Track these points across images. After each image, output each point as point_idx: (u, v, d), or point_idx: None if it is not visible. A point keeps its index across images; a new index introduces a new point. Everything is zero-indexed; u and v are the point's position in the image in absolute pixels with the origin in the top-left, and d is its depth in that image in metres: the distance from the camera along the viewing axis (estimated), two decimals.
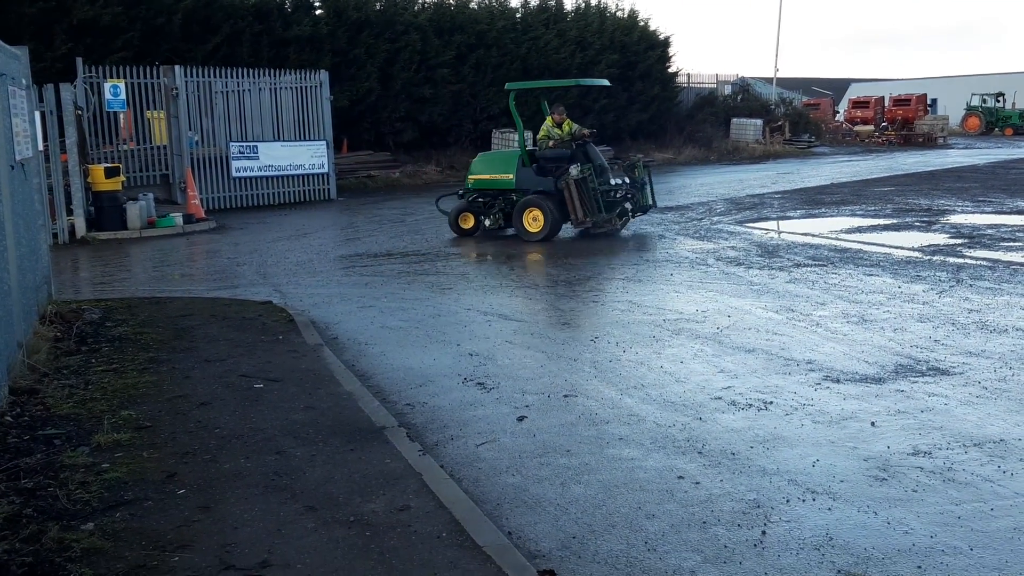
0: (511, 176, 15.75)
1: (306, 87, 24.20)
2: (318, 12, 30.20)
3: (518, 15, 36.72)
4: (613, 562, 4.36)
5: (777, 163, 34.38)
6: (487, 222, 16.01)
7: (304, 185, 24.22)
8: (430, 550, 4.40)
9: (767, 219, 17.75)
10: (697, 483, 5.24)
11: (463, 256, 14.13)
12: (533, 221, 15.34)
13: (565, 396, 6.88)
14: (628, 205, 15.91)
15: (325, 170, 24.49)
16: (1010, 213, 17.67)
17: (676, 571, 4.25)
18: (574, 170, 14.94)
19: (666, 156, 37.02)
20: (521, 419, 6.42)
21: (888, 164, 32.42)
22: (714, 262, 12.78)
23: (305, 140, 24.11)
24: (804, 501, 4.95)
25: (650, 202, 16.26)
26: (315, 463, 5.54)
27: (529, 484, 5.31)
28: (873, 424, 6.05)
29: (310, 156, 24.18)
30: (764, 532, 4.60)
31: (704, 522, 4.74)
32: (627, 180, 15.81)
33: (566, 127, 16.09)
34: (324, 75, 24.58)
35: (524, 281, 11.79)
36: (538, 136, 16.27)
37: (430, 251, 14.69)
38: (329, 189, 24.61)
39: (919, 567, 4.19)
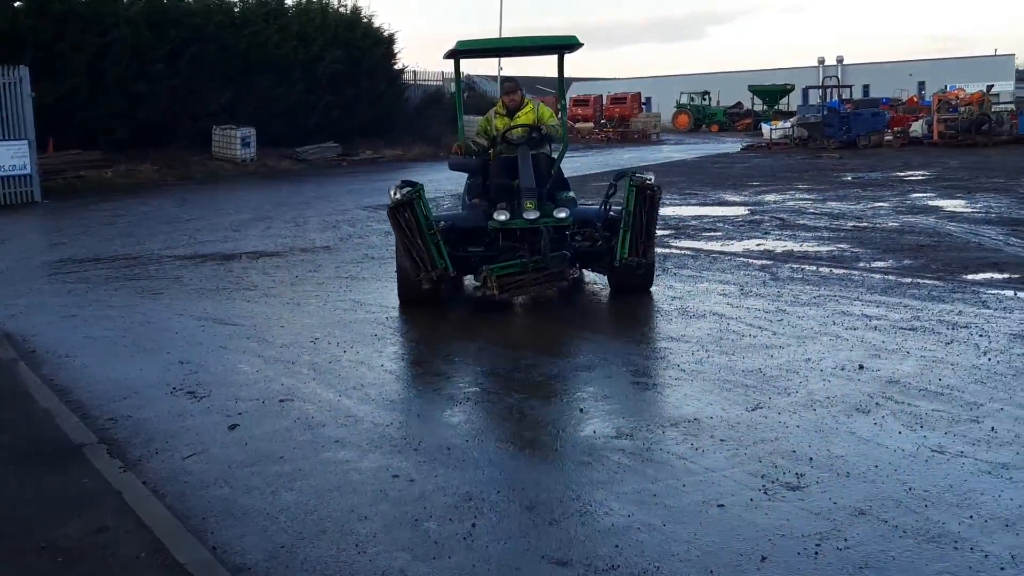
0: None
1: (4, 83, 22.50)
2: (17, 4, 28.16)
3: (236, 9, 35.72)
4: (322, 569, 4.28)
5: None
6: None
7: (3, 188, 22.50)
8: (128, 573, 4.16)
9: None
10: (412, 480, 5.24)
11: (177, 259, 13.54)
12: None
13: (281, 401, 6.72)
14: (556, 254, 8.92)
15: (27, 171, 22.81)
16: (713, 204, 18.87)
17: (386, 571, 4.22)
18: (391, 193, 9.07)
19: (396, 153, 37.13)
20: (233, 428, 6.21)
21: (606, 159, 33.89)
22: None
23: (3, 140, 22.40)
24: (513, 490, 5.06)
25: (627, 253, 9.06)
26: (5, 488, 5.13)
27: (238, 495, 5.14)
28: (581, 410, 6.27)
29: (10, 157, 22.45)
30: (474, 525, 4.66)
31: (416, 519, 4.75)
32: (596, 211, 9.81)
33: (523, 116, 10.14)
34: (24, 71, 22.88)
35: (243, 283, 11.44)
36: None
37: (142, 255, 13.98)
38: (32, 191, 22.95)
39: (616, 546, 4.36)
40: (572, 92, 74.47)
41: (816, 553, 4.20)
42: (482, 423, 6.14)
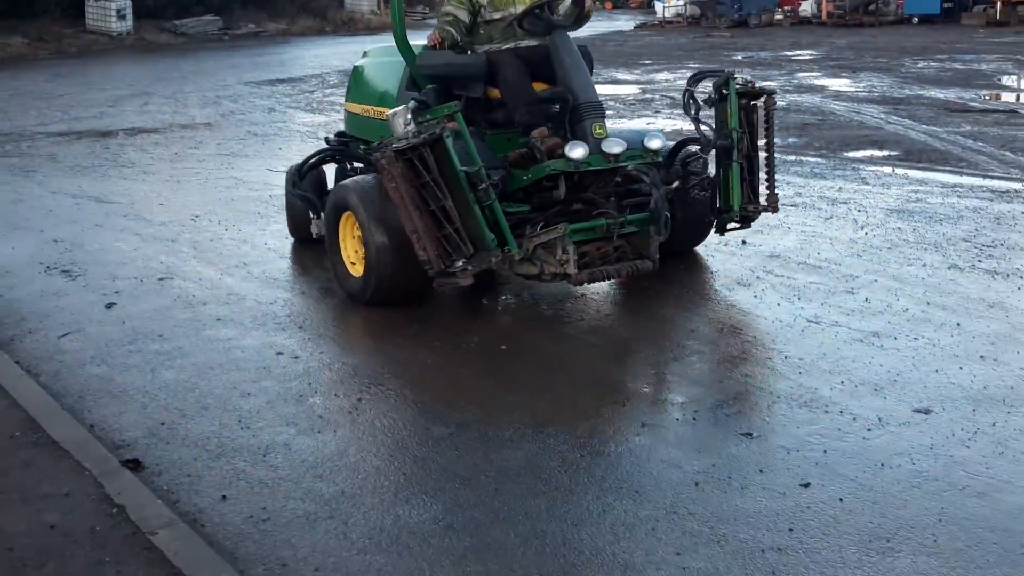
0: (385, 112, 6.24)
1: None
2: None
3: None
4: (203, 444, 4.23)
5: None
6: (315, 223, 6.85)
7: None
8: (1, 452, 4.05)
9: None
10: (296, 357, 5.19)
11: (51, 136, 12.96)
12: (353, 250, 6.02)
13: (160, 279, 6.54)
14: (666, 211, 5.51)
15: None
16: (604, 83, 18.77)
17: (269, 446, 4.20)
18: (400, 121, 5.13)
19: (280, 27, 35.89)
20: (110, 306, 6.03)
21: None
22: (325, 135, 12.58)
23: None
24: (402, 366, 5.05)
25: (742, 200, 6.03)
26: None
27: (116, 373, 5.02)
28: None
29: None
30: (360, 399, 4.64)
31: (301, 395, 4.71)
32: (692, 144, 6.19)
33: None
34: None
35: (120, 161, 11.04)
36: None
37: (13, 131, 13.35)
38: None
39: (513, 411, 4.41)
40: None
41: (695, 419, 4.31)
42: None
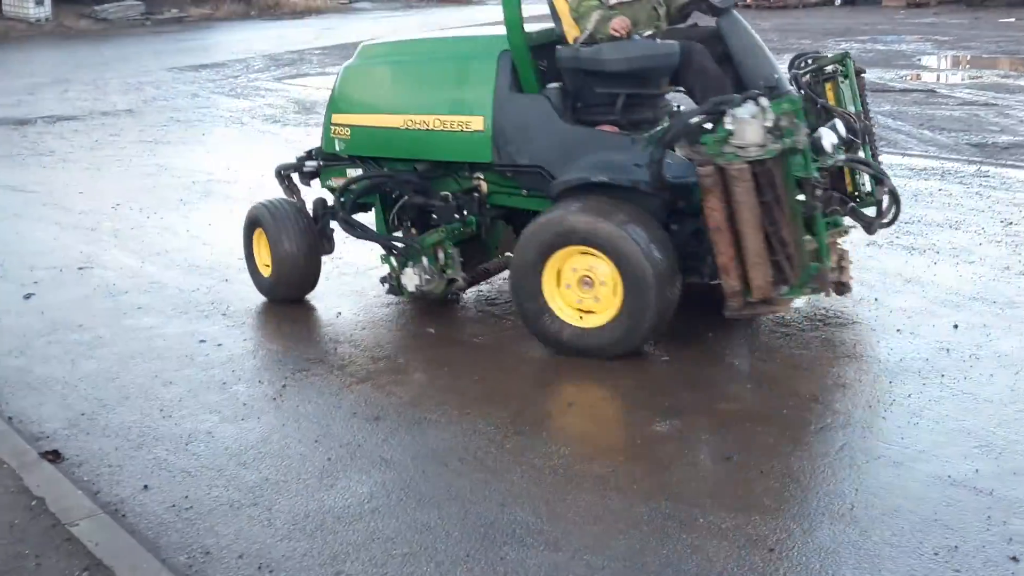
0: (483, 123, 5.03)
1: None
2: None
3: None
4: (125, 433, 4.17)
5: (319, 18, 33.96)
6: (407, 275, 5.22)
7: None
8: None
9: (307, 75, 17.53)
10: (220, 345, 5.13)
11: None
12: (593, 297, 4.69)
13: (80, 269, 6.43)
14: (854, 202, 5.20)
15: None
16: None
17: (192, 434, 4.15)
18: (751, 122, 4.08)
19: (203, 12, 35.27)
20: (28, 297, 5.92)
21: (426, 20, 33.20)
22: (250, 120, 12.45)
23: None
24: (327, 352, 5.03)
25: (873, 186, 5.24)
26: None
27: (35, 365, 4.93)
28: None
29: None
30: (284, 385, 4.61)
31: (224, 383, 4.66)
32: (844, 131, 5.01)
33: None
34: None
35: (38, 149, 10.79)
36: None
37: None
38: None
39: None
40: None
41: (618, 398, 4.34)
42: None
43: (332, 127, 5.55)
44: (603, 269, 4.56)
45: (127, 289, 6.02)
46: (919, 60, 18.00)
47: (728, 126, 4.11)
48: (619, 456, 3.84)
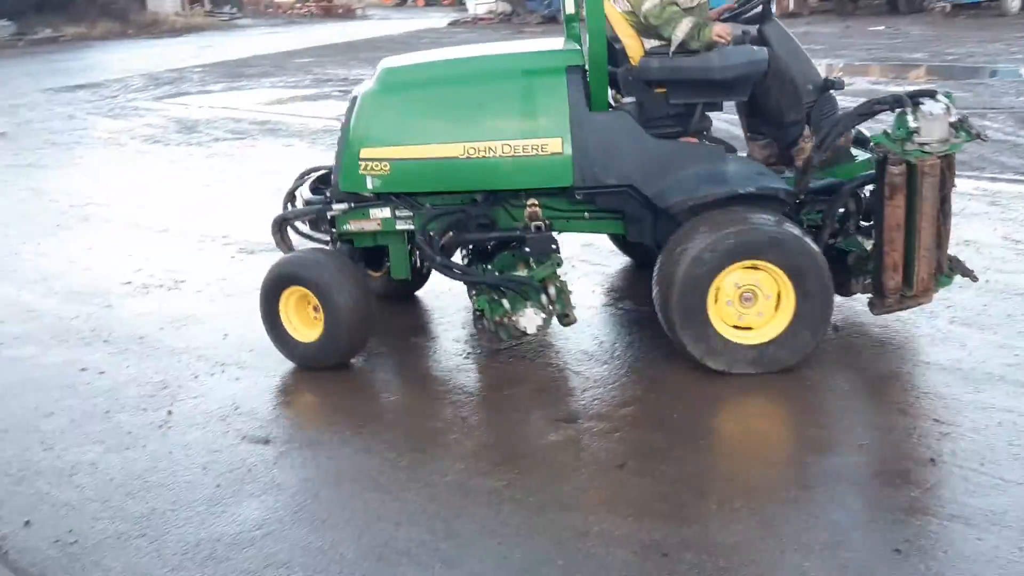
0: (561, 144, 4.67)
1: None
2: None
3: None
4: (4, 468, 4.03)
5: (200, 36, 33.37)
6: (527, 316, 4.66)
7: None
8: None
9: (187, 94, 17.18)
10: (102, 373, 4.99)
11: None
12: (756, 312, 4.57)
13: None
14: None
15: None
16: None
17: (75, 465, 4.03)
18: (941, 118, 4.39)
19: (79, 31, 34.31)
20: None
21: (309, 36, 32.91)
22: (129, 141, 12.14)
23: None
24: (213, 375, 4.92)
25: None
26: None
27: None
28: None
29: None
30: (170, 412, 4.50)
31: (107, 412, 4.53)
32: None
33: None
34: None
35: None
36: None
37: None
38: None
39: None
40: None
41: (514, 407, 4.35)
42: (177, 311, 5.88)
43: (362, 163, 4.79)
44: (769, 282, 4.47)
45: (3, 319, 5.82)
46: None
47: (912, 124, 4.31)
48: (514, 468, 3.85)
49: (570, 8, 5.16)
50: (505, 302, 4.63)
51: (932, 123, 4.30)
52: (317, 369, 4.83)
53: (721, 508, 3.49)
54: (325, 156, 10.44)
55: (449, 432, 4.21)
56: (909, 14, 28.79)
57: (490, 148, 4.65)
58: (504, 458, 3.95)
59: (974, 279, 4.80)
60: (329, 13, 48.72)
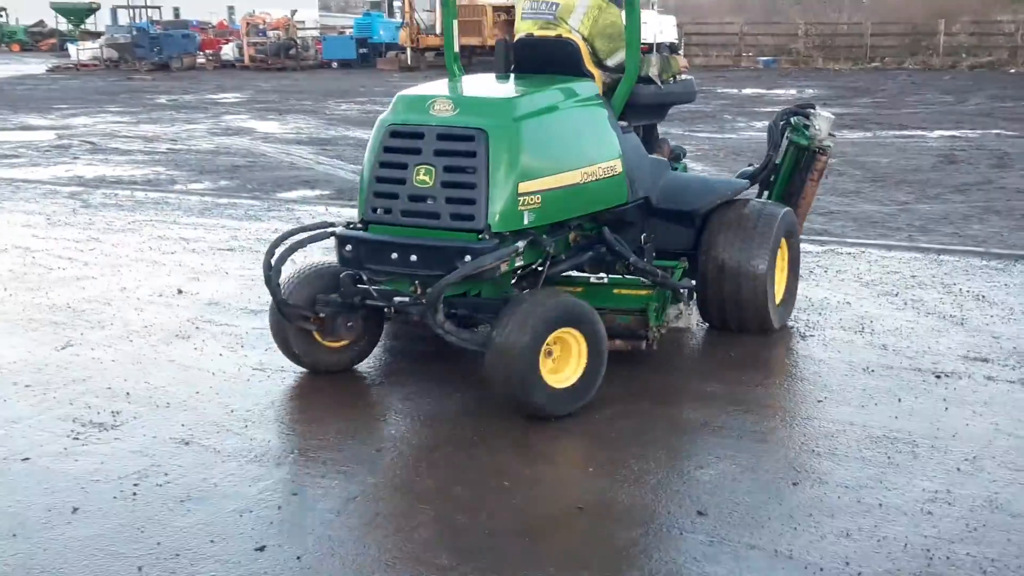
0: (620, 164, 5.04)
1: None
2: None
3: None
4: None
5: None
6: (683, 316, 5.31)
7: None
8: None
9: None
10: None
11: None
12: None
13: None
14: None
15: None
16: (14, 129, 17.26)
17: None
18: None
19: None
20: None
21: None
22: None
23: None
24: None
25: None
26: None
27: None
28: None
29: None
30: None
31: None
32: None
33: None
34: None
35: None
36: None
37: None
38: None
39: None
40: None
41: (134, 493, 3.88)
42: None
43: (521, 198, 4.50)
44: None
45: None
46: None
47: (818, 125, 6.08)
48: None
49: (456, 47, 5.67)
50: (681, 304, 5.22)
51: (827, 124, 6.04)
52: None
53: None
54: None
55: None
56: None
57: (591, 172, 4.82)
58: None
59: None
60: None
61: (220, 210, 9.65)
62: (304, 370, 5.17)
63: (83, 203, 10.08)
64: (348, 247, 4.69)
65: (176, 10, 64.19)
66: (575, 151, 4.83)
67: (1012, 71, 28.16)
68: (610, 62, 5.44)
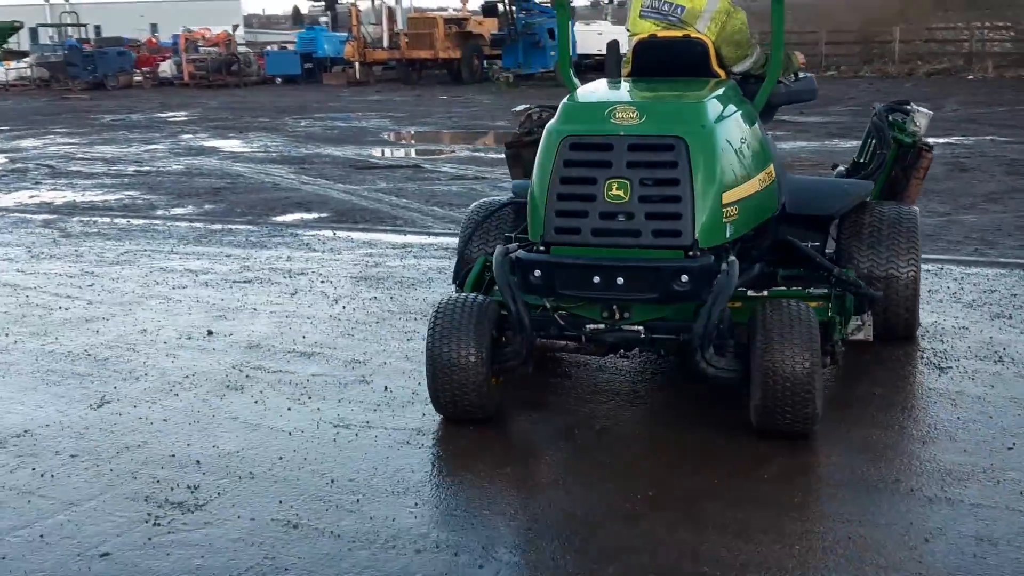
0: (773, 170, 4.78)
1: None
2: None
3: None
4: None
5: None
6: (864, 327, 4.81)
7: None
8: None
9: None
10: None
11: None
12: None
13: None
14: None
15: None
16: None
17: None
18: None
19: None
20: None
21: None
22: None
23: None
24: None
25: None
26: None
27: None
28: None
29: None
30: None
31: None
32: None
33: None
34: None
35: None
36: None
37: None
38: None
39: None
40: None
41: None
42: None
43: (725, 209, 4.12)
44: None
45: None
46: (385, 136, 18.24)
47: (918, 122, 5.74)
48: None
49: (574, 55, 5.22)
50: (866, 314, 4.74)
51: (926, 120, 5.68)
52: None
53: None
54: None
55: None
56: (473, 83, 29.90)
57: (763, 179, 4.51)
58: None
59: None
60: None
61: (217, 237, 8.86)
62: (396, 425, 4.48)
63: (62, 232, 9.21)
64: (537, 272, 4.06)
65: (98, 28, 62.38)
66: (751, 157, 4.45)
67: (970, 77, 28.25)
68: (736, 68, 5.01)
